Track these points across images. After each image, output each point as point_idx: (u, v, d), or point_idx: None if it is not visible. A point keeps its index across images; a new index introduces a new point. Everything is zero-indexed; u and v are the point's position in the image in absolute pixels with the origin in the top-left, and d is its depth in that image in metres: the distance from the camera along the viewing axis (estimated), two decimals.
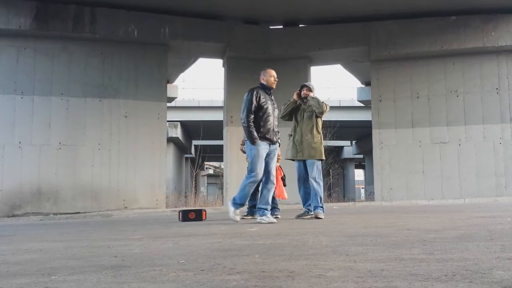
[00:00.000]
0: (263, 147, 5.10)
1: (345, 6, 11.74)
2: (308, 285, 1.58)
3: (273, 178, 5.22)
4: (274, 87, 5.33)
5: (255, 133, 5.04)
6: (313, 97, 5.82)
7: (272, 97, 5.35)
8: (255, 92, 5.15)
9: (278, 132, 5.45)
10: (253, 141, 5.04)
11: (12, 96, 10.54)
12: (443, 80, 12.08)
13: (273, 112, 5.25)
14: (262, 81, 5.30)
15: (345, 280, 1.64)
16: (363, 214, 6.63)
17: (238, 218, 5.00)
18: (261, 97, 5.15)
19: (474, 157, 11.65)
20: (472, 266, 1.84)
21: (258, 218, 5.06)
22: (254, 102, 5.08)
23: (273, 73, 5.35)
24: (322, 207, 5.67)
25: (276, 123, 5.30)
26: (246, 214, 6.28)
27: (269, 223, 4.83)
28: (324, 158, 5.87)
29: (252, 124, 5.06)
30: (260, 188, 5.42)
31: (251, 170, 5.03)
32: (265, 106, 5.15)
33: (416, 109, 12.12)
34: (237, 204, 5.09)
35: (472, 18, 11.78)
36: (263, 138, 5.12)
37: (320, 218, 5.48)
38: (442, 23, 11.92)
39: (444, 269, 1.78)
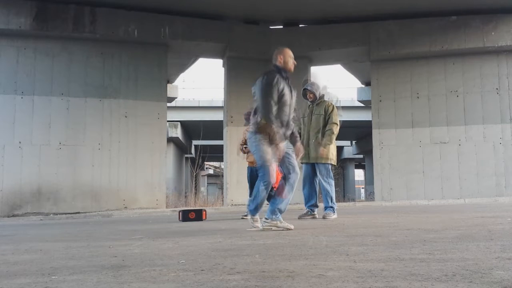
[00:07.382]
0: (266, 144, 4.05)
1: (345, 6, 11.74)
2: (308, 285, 1.58)
3: (293, 172, 4.19)
4: (293, 71, 4.26)
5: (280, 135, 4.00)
6: (325, 142, 5.53)
7: (289, 81, 4.23)
8: (276, 77, 4.06)
9: (292, 124, 4.29)
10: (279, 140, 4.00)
11: (12, 96, 10.54)
12: (443, 80, 12.08)
13: (290, 102, 4.16)
14: (278, 63, 4.19)
15: (345, 280, 1.64)
16: (363, 214, 6.63)
17: (258, 224, 4.13)
18: (280, 84, 4.07)
19: (474, 157, 11.65)
20: (472, 266, 1.84)
21: (266, 223, 4.03)
22: (276, 89, 4.01)
23: (292, 54, 4.28)
24: (332, 207, 5.62)
25: (291, 116, 4.22)
26: (245, 214, 6.27)
27: (286, 229, 3.96)
28: (331, 162, 5.62)
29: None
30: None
31: (260, 171, 4.09)
32: (284, 98, 4.08)
33: (416, 109, 12.12)
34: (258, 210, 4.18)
35: (472, 18, 11.78)
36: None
37: (328, 219, 5.43)
38: (442, 23, 11.92)
39: (444, 269, 1.78)
